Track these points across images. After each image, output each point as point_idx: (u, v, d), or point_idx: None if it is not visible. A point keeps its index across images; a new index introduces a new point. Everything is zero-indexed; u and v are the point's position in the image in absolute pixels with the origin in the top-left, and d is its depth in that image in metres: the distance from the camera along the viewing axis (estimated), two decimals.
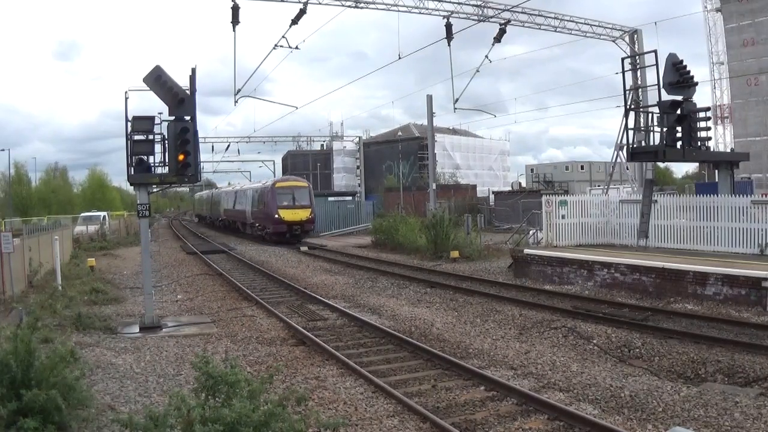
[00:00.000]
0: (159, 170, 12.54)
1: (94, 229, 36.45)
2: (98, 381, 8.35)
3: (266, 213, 34.33)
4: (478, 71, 26.32)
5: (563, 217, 19.65)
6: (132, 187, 13.91)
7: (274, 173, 64.90)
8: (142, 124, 12.28)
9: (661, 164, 36.64)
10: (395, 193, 50.91)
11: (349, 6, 23.45)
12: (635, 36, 28.15)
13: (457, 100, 26.59)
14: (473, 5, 25.24)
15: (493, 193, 50.22)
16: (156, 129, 12.31)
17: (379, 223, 32.06)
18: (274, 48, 22.74)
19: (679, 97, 17.00)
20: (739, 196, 16.88)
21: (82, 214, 43.59)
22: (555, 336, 11.22)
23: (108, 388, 8.16)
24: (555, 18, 26.70)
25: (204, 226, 61.43)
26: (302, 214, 33.48)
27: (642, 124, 19.80)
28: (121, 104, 12.26)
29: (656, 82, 16.92)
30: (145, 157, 12.45)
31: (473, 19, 25.07)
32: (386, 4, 24.17)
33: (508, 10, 24.80)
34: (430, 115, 30.99)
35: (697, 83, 17.66)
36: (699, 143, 17.41)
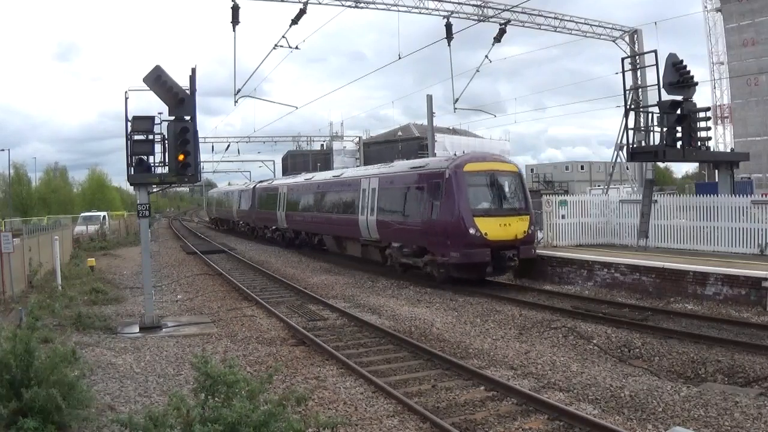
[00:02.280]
0: (159, 170, 12.55)
1: (94, 229, 36.47)
2: (98, 381, 8.35)
3: (440, 224, 16.65)
4: (478, 71, 26.29)
5: (563, 217, 19.66)
6: (132, 187, 13.92)
7: (273, 173, 64.66)
8: (142, 124, 12.29)
9: (661, 164, 36.63)
10: None
11: (349, 6, 23.42)
12: (635, 36, 28.11)
13: (457, 100, 26.53)
14: (473, 5, 25.22)
15: None
16: (156, 129, 12.33)
17: None
18: (274, 48, 22.71)
19: (679, 97, 17.02)
20: (739, 196, 16.89)
21: (82, 214, 43.61)
22: (555, 336, 11.22)
23: (108, 388, 8.16)
24: (555, 18, 26.68)
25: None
26: (518, 227, 16.60)
27: (642, 124, 19.82)
28: (121, 104, 12.30)
29: (656, 82, 16.95)
30: (145, 157, 12.46)
31: (473, 19, 25.04)
32: (386, 4, 24.14)
33: (508, 10, 24.79)
34: (430, 114, 30.96)
35: (697, 83, 17.68)
36: (699, 143, 17.43)
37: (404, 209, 18.62)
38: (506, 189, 17.29)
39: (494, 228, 16.24)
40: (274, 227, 33.11)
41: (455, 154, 18.33)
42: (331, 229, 24.79)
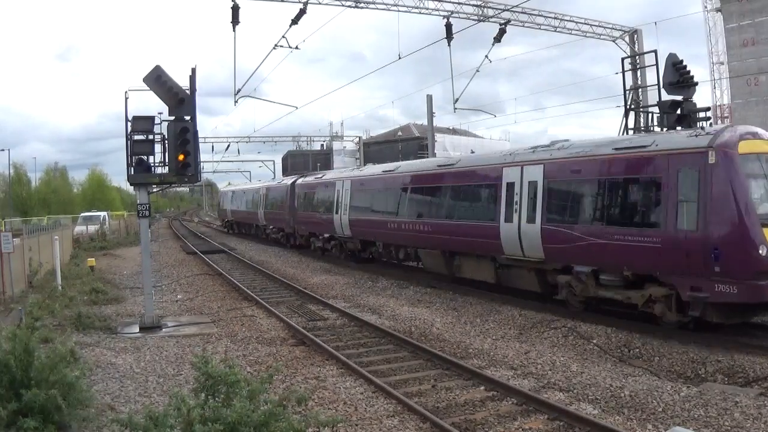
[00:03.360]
0: (159, 170, 12.57)
1: (94, 229, 36.48)
2: (98, 381, 8.36)
3: (695, 239, 10.02)
4: (478, 71, 26.27)
5: None
6: (132, 187, 13.93)
7: (273, 173, 64.64)
8: (142, 124, 12.31)
9: None
10: None
11: (349, 6, 23.42)
12: (635, 36, 28.13)
13: (456, 100, 26.54)
14: (473, 5, 25.24)
15: None
16: (156, 129, 12.35)
17: None
18: (274, 48, 22.70)
19: (679, 97, 16.98)
20: None
21: (82, 214, 43.62)
22: (555, 336, 11.22)
23: (108, 388, 8.16)
24: (555, 18, 26.70)
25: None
26: None
27: (642, 124, 19.83)
28: (120, 105, 12.37)
29: (656, 82, 16.94)
30: (145, 157, 12.48)
31: (473, 19, 25.05)
32: (386, 4, 24.15)
33: (508, 10, 24.79)
34: (430, 114, 30.98)
35: (697, 83, 17.63)
36: None
37: (608, 213, 11.95)
38: None
39: None
40: (327, 235, 25.23)
41: (701, 126, 11.04)
42: (439, 242, 17.12)
